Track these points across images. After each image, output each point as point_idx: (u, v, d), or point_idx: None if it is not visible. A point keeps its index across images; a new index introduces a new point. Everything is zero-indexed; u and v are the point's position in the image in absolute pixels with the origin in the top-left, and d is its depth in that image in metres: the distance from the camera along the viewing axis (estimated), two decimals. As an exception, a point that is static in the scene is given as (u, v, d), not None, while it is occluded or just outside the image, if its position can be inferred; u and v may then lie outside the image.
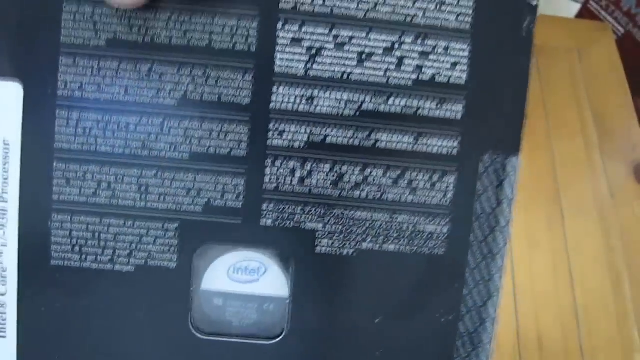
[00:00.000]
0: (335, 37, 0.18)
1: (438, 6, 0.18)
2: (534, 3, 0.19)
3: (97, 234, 0.18)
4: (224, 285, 0.20)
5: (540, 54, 0.66)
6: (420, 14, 0.18)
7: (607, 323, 0.48)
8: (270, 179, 0.19)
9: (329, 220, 0.19)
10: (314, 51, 0.18)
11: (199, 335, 0.19)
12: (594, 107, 0.62)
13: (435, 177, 0.19)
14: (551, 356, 0.47)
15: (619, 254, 0.52)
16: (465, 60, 0.19)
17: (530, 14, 0.19)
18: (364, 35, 0.18)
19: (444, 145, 0.19)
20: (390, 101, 0.19)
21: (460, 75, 0.19)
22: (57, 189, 0.18)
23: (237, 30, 0.18)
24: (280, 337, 0.19)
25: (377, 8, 0.18)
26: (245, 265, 0.20)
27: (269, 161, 0.18)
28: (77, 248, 0.18)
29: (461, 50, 0.19)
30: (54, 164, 0.18)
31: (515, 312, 0.48)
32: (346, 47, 0.18)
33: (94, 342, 0.19)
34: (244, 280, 0.20)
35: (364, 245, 0.19)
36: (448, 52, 0.19)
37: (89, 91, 0.18)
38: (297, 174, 0.19)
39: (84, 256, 0.18)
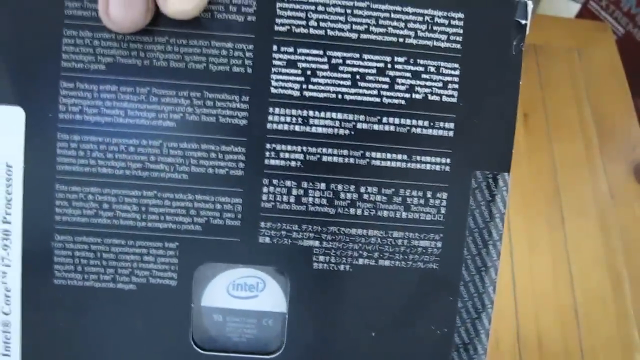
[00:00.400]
0: (330, 58, 0.19)
1: (429, 27, 0.19)
2: (523, 22, 0.19)
3: (99, 254, 0.19)
4: (223, 302, 0.20)
5: (540, 54, 0.66)
6: (412, 34, 0.19)
7: (607, 323, 0.48)
8: (267, 198, 0.19)
9: (325, 237, 0.19)
10: (308, 72, 0.19)
11: (199, 351, 0.20)
12: (594, 107, 0.62)
13: (429, 194, 0.20)
14: (551, 356, 0.47)
15: (619, 254, 0.52)
16: (456, 80, 0.19)
17: (519, 33, 0.20)
18: (357, 56, 0.19)
19: (436, 162, 0.20)
20: (384, 120, 0.19)
21: (452, 94, 0.19)
22: (59, 210, 0.18)
23: (233, 53, 0.18)
24: (279, 352, 0.20)
25: (370, 29, 0.19)
26: (244, 281, 0.20)
27: (266, 180, 0.19)
28: (79, 268, 0.19)
29: (452, 69, 0.19)
30: (56, 186, 0.18)
31: (515, 312, 0.48)
32: (340, 69, 0.19)
33: (96, 355, 0.19)
34: (243, 296, 0.20)
35: (360, 261, 0.19)
36: (439, 71, 0.19)
37: (90, 114, 0.18)
38: (294, 193, 0.19)
39: (86, 275, 0.19)
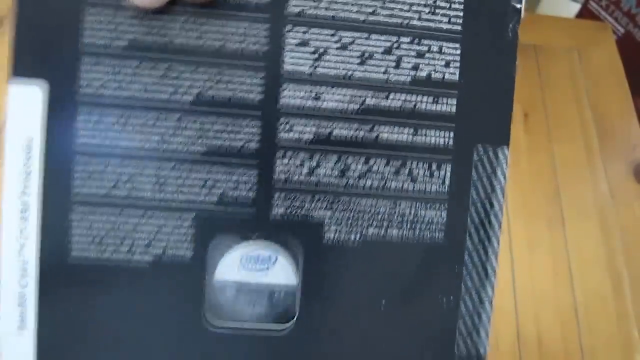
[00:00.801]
0: (340, 38, 0.20)
1: (432, 9, 0.20)
2: (518, 6, 0.21)
3: (116, 226, 0.19)
4: (236, 275, 0.20)
5: (540, 54, 0.66)
6: (416, 17, 0.20)
7: (607, 323, 0.48)
8: (280, 171, 0.20)
9: (336, 208, 0.20)
10: (320, 51, 0.20)
11: (211, 323, 0.20)
12: (594, 107, 0.62)
13: (434, 167, 0.21)
14: (551, 356, 0.47)
15: (619, 254, 0.52)
16: (457, 59, 0.21)
17: (515, 15, 0.21)
18: (365, 37, 0.20)
19: (440, 136, 0.21)
20: (391, 97, 0.20)
21: (453, 72, 0.21)
22: (78, 182, 0.19)
23: (248, 32, 0.19)
24: (291, 324, 0.20)
25: (377, 12, 0.20)
26: (257, 254, 0.20)
27: (279, 154, 0.20)
28: (97, 239, 0.19)
29: (454, 49, 0.20)
30: (76, 158, 0.18)
31: (515, 312, 0.48)
32: (349, 48, 0.20)
33: (110, 332, 0.19)
34: (256, 269, 0.20)
35: (369, 231, 0.20)
36: (442, 51, 0.20)
37: (110, 89, 0.18)
38: (306, 166, 0.20)
39: (103, 248, 0.19)
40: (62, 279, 0.19)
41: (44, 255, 0.18)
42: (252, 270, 0.20)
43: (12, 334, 0.18)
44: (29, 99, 0.18)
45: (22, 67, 0.18)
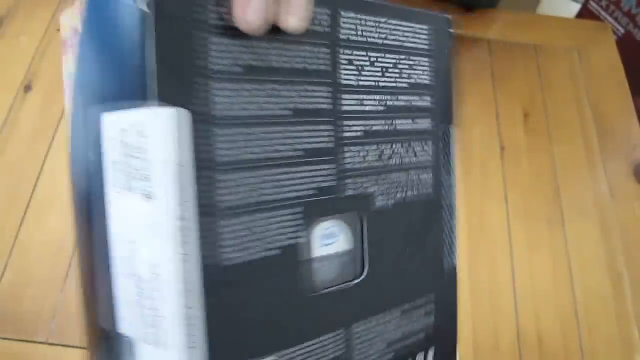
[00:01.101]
0: (369, 57, 0.26)
1: (413, 35, 0.28)
2: (452, 31, 0.30)
3: (252, 229, 0.22)
4: (318, 251, 0.25)
5: (540, 54, 0.66)
6: (407, 39, 0.28)
7: (607, 323, 0.49)
8: (347, 162, 0.25)
9: (379, 183, 0.26)
10: (359, 67, 0.26)
11: (311, 294, 0.24)
12: (594, 107, 0.62)
13: (423, 144, 0.29)
14: (551, 356, 0.47)
15: (619, 254, 0.52)
16: (428, 68, 0.29)
17: (450, 37, 0.30)
18: (382, 55, 0.27)
19: (425, 123, 0.29)
20: (400, 98, 0.27)
21: (427, 77, 0.29)
22: (220, 197, 0.21)
23: (319, 55, 0.24)
24: (361, 278, 0.26)
25: (387, 37, 0.27)
26: (330, 231, 0.25)
27: (346, 148, 0.25)
28: (241, 245, 0.21)
29: (427, 62, 0.29)
30: (217, 176, 0.21)
31: (515, 312, 0.48)
32: (375, 64, 0.26)
33: (265, 323, 0.22)
34: (329, 243, 0.25)
35: (397, 196, 0.27)
36: (421, 63, 0.29)
37: (235, 110, 0.21)
38: (360, 154, 0.26)
39: (245, 251, 0.22)
40: (220, 288, 0.21)
41: (206, 272, 0.20)
42: (327, 245, 0.25)
43: (183, 350, 0.20)
44: (177, 123, 0.19)
45: (166, 94, 0.19)
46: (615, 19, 0.70)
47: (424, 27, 0.29)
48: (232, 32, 0.21)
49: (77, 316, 0.44)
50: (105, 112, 0.20)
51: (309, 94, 0.23)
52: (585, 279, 0.51)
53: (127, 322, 0.21)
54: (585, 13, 0.74)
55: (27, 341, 0.43)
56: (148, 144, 0.19)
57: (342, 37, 0.25)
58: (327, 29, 0.24)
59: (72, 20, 0.24)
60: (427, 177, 0.29)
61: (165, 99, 0.19)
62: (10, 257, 0.47)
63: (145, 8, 0.19)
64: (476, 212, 0.53)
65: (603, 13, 0.72)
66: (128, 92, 0.19)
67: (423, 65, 0.28)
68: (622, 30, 0.70)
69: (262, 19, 0.20)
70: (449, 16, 0.30)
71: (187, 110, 0.19)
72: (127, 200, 0.20)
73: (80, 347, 0.43)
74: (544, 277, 0.50)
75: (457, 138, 0.30)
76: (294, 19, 0.21)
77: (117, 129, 0.20)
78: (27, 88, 0.56)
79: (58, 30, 0.60)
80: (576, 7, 0.75)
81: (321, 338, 0.24)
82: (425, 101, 0.28)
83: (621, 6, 0.69)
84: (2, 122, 0.53)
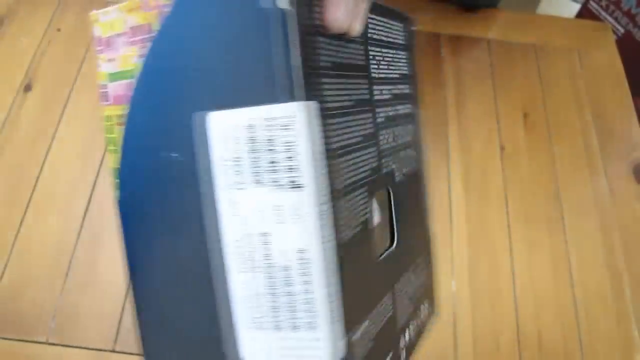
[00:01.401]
0: (382, 53, 0.30)
1: (397, 32, 0.33)
2: (413, 28, 0.36)
3: (349, 209, 0.24)
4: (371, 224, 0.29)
5: (540, 54, 0.66)
6: (397, 37, 0.33)
7: (607, 323, 0.49)
8: (381, 143, 0.29)
9: (396, 160, 0.31)
10: (378, 62, 0.30)
11: (377, 261, 0.28)
12: (594, 107, 0.62)
13: (409, 125, 0.34)
14: (551, 356, 0.47)
15: (619, 254, 0.52)
16: (406, 60, 0.34)
17: (413, 37, 0.35)
18: (387, 51, 0.31)
19: (409, 107, 0.34)
20: (398, 87, 0.32)
21: (407, 68, 0.34)
22: (333, 181, 0.23)
23: (359, 51, 0.27)
24: (395, 244, 0.30)
25: (388, 35, 0.31)
26: (375, 205, 0.28)
27: (379, 133, 0.29)
28: (345, 224, 0.24)
29: (406, 56, 0.34)
30: (330, 162, 0.23)
31: (515, 312, 0.48)
32: (385, 59, 0.30)
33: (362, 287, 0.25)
34: (375, 216, 0.29)
35: (403, 170, 0.32)
36: (403, 57, 0.34)
37: (334, 101, 0.24)
38: (386, 137, 0.30)
39: (347, 229, 0.24)
40: (342, 265, 0.22)
41: (336, 250, 0.22)
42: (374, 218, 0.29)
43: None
44: (318, 115, 0.21)
45: (299, 90, 0.21)
46: (615, 19, 0.70)
47: (400, 24, 0.33)
48: (322, 31, 0.23)
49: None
50: (210, 113, 0.22)
51: (359, 86, 0.27)
52: (585, 279, 0.51)
53: (249, 320, 0.22)
54: (585, 13, 0.74)
55: (27, 341, 0.43)
56: (296, 136, 0.21)
57: (368, 35, 0.29)
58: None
59: (115, 19, 0.24)
60: (413, 153, 0.34)
61: (305, 93, 0.21)
62: (10, 257, 0.47)
63: (287, 6, 0.20)
64: (476, 212, 0.53)
65: (603, 13, 0.72)
66: (257, 89, 0.21)
67: (405, 58, 0.34)
68: (622, 30, 0.70)
69: (349, 20, 0.24)
70: (413, 16, 0.36)
71: (318, 103, 0.22)
72: (250, 194, 0.21)
73: (80, 347, 0.43)
74: (544, 277, 0.50)
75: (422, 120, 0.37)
76: (358, 24, 0.25)
77: (236, 126, 0.21)
78: (27, 88, 0.56)
79: (58, 30, 0.60)
80: (576, 7, 0.75)
81: (383, 300, 0.27)
82: (408, 89, 0.34)
83: (621, 6, 0.69)
84: (2, 122, 0.53)
